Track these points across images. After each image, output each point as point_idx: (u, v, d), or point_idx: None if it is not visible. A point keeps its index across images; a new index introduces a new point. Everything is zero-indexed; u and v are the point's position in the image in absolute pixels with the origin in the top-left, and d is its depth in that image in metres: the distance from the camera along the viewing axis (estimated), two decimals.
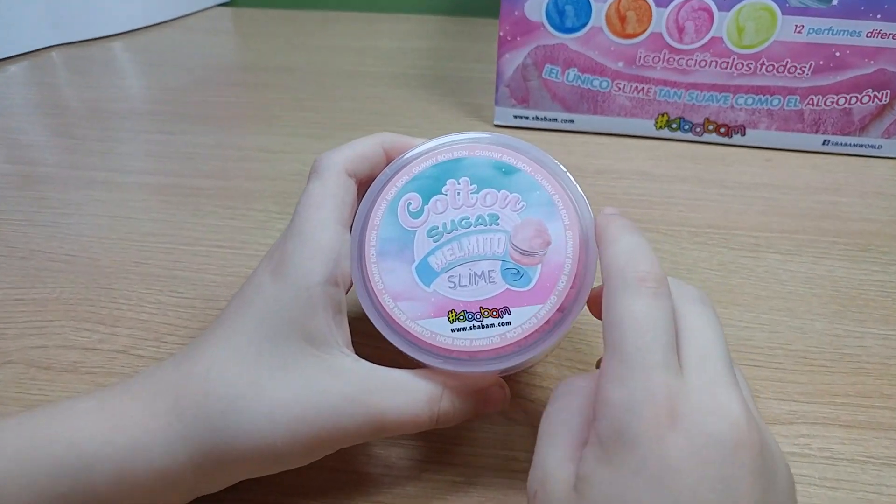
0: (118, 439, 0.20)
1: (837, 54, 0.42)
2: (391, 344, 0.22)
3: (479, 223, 0.23)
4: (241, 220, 0.41)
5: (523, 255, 0.23)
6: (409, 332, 0.22)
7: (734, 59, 0.43)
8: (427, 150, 0.24)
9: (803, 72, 0.43)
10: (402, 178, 0.24)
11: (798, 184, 0.44)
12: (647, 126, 0.47)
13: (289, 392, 0.21)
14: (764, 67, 0.43)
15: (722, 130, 0.47)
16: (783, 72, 0.43)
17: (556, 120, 0.49)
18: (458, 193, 0.23)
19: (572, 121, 0.48)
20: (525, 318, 0.22)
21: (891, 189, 0.44)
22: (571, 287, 0.22)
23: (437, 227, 0.23)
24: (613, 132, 0.48)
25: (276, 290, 0.22)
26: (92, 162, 0.46)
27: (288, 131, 0.50)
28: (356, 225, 0.24)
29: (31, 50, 0.60)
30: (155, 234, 0.39)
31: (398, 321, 0.22)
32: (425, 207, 0.23)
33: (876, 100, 0.44)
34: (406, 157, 0.25)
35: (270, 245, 0.38)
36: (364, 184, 0.25)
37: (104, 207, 0.41)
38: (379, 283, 0.22)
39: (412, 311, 0.22)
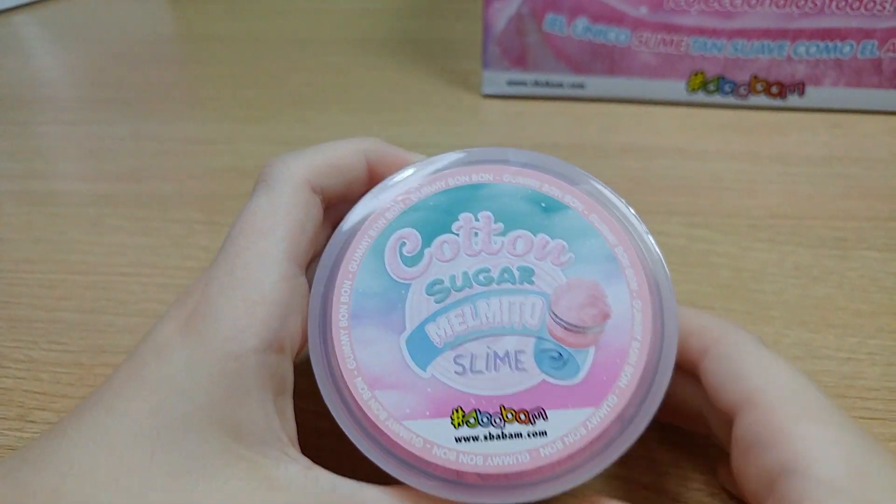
0: None
1: None
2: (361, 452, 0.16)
3: (504, 280, 0.17)
4: (155, 235, 0.32)
5: (569, 331, 0.16)
6: (390, 439, 0.15)
7: None
8: (433, 171, 0.18)
9: (884, 7, 0.34)
10: (393, 208, 0.18)
11: (882, 155, 0.35)
12: (678, 89, 0.38)
13: None
14: (834, 3, 0.34)
15: (774, 90, 0.37)
16: (858, 8, 0.34)
17: (561, 85, 0.40)
18: (476, 234, 0.18)
19: (583, 85, 0.39)
20: (569, 427, 0.15)
21: None
22: (639, 385, 0.16)
23: (443, 282, 0.17)
24: (636, 98, 0.40)
25: (188, 356, 0.15)
26: None
27: (220, 115, 0.42)
28: (321, 270, 0.18)
29: None
30: (33, 260, 0.30)
31: (375, 420, 0.16)
32: (426, 251, 0.17)
33: None
34: (401, 177, 0.18)
35: (192, 269, 0.29)
36: (334, 206, 0.19)
37: None
38: (350, 361, 0.16)
39: (397, 407, 0.16)
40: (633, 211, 0.18)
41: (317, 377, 0.17)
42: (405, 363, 0.16)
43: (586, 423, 0.15)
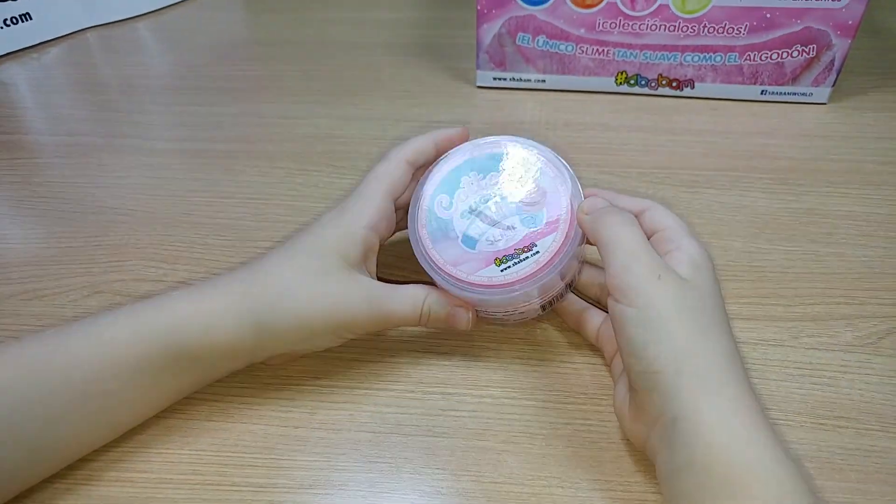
0: (203, 308, 0.29)
1: (768, 16, 0.49)
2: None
3: (492, 198, 0.32)
4: (267, 176, 0.48)
5: (527, 204, 0.31)
6: (472, 284, 0.30)
7: (680, 22, 0.50)
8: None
9: (740, 32, 0.50)
10: (432, 183, 0.33)
11: (738, 129, 0.51)
12: (609, 83, 0.55)
13: (327, 288, 0.29)
14: (706, 29, 0.50)
15: (674, 84, 0.54)
16: (723, 32, 0.50)
17: (529, 80, 0.55)
18: (472, 183, 0.32)
19: (544, 80, 0.55)
20: (547, 245, 0.30)
21: (814, 131, 0.51)
22: (570, 222, 0.31)
23: (467, 209, 0.31)
24: (579, 89, 0.55)
25: (332, 227, 0.31)
26: (136, 132, 0.54)
27: (297, 99, 0.57)
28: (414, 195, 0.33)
29: (68, 33, 0.67)
30: (197, 190, 0.47)
31: (460, 278, 0.30)
32: (452, 201, 0.32)
33: (804, 53, 0.50)
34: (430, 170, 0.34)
35: (294, 197, 0.48)
36: (418, 168, 0.34)
37: (152, 170, 0.49)
38: (439, 259, 0.31)
39: (468, 269, 0.30)
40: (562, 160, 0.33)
41: (435, 282, 0.31)
42: (465, 250, 0.30)
43: (555, 239, 0.29)
